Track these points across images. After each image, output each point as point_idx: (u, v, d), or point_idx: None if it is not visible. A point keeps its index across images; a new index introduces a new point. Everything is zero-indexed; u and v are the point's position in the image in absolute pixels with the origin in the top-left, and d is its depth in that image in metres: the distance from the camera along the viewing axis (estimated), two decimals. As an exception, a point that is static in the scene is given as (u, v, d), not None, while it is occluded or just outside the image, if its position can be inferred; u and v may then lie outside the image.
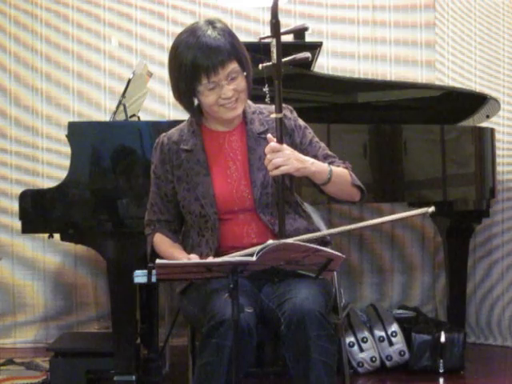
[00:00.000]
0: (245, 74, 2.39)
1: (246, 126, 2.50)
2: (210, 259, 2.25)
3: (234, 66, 2.36)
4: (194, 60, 2.33)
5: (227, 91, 2.36)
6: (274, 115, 2.36)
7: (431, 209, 2.17)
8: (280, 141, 2.34)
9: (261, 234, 2.42)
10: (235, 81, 2.37)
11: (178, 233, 2.56)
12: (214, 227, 2.43)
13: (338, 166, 2.47)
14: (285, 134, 2.40)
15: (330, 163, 2.45)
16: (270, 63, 2.34)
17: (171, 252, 2.44)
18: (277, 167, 2.31)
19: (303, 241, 2.20)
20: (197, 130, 2.50)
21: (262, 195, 2.42)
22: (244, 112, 2.49)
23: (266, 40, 2.35)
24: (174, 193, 2.50)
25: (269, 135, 2.35)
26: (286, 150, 2.33)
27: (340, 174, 2.44)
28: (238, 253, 2.26)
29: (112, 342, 3.24)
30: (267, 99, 2.49)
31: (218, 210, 2.43)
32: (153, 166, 2.54)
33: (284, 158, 2.30)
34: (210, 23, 2.39)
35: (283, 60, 2.35)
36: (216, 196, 2.43)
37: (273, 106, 2.46)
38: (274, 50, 2.32)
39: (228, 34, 2.38)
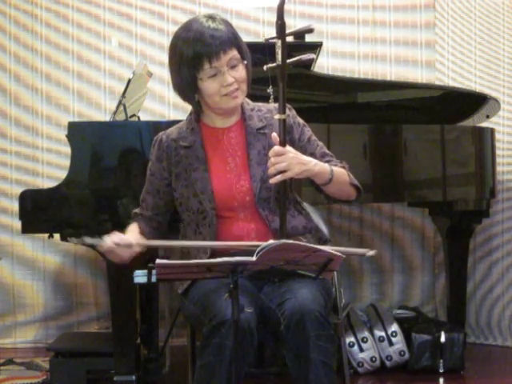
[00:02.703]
0: (245, 62, 2.41)
1: (245, 122, 2.51)
2: (206, 244, 2.23)
3: (234, 53, 2.38)
4: (195, 48, 2.35)
5: (228, 78, 2.37)
6: (277, 116, 2.36)
7: (371, 252, 2.21)
8: (283, 142, 2.34)
9: (260, 232, 2.42)
10: (236, 68, 2.39)
11: (156, 229, 2.57)
12: (212, 224, 2.44)
13: (336, 165, 2.48)
14: None
15: (327, 162, 2.46)
16: (275, 64, 2.35)
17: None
18: (279, 172, 2.31)
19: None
20: (196, 127, 2.51)
21: (261, 189, 2.43)
22: (242, 109, 2.51)
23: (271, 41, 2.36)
24: (167, 190, 2.52)
25: (274, 134, 2.36)
26: (290, 152, 2.33)
27: (340, 173, 2.45)
28: (240, 243, 2.28)
29: (112, 342, 3.24)
30: (271, 100, 2.50)
31: (216, 206, 2.44)
32: (149, 163, 2.57)
33: (287, 163, 2.31)
34: (209, 16, 2.42)
35: (288, 61, 2.36)
36: (214, 192, 2.44)
37: (271, 105, 2.48)
38: (279, 51, 2.33)
39: (228, 24, 2.42)
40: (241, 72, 2.40)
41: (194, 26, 2.39)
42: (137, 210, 2.60)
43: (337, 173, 2.43)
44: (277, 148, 2.33)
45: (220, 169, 2.47)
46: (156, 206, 2.56)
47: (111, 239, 2.32)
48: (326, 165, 2.42)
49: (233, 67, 2.38)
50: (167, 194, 2.53)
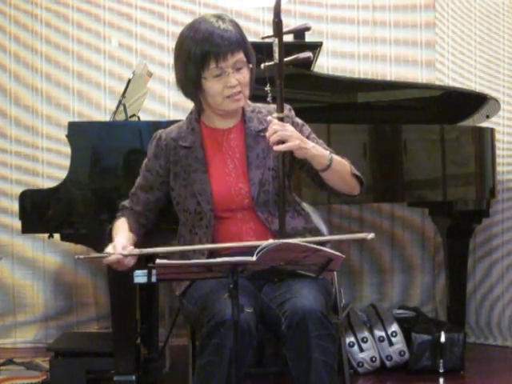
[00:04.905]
0: (250, 66, 2.41)
1: (245, 124, 2.51)
2: (204, 247, 2.25)
3: (241, 55, 2.39)
4: (204, 46, 2.36)
5: (232, 79, 2.37)
6: (275, 114, 2.37)
7: (371, 235, 2.26)
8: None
9: (259, 232, 2.42)
10: (241, 71, 2.39)
11: (144, 227, 2.55)
12: (209, 225, 2.44)
13: None
14: None
15: None
16: (273, 62, 2.35)
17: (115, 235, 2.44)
18: (281, 140, 2.31)
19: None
20: (196, 127, 2.51)
21: (259, 193, 2.43)
22: (243, 110, 2.51)
23: (268, 39, 2.36)
24: (160, 188, 2.53)
25: (269, 117, 2.37)
26: (290, 127, 2.35)
27: (340, 161, 2.44)
28: (238, 244, 2.29)
29: (112, 342, 3.24)
30: (269, 98, 2.50)
31: (214, 207, 2.44)
32: (146, 159, 2.57)
33: (289, 133, 2.32)
34: (218, 17, 2.43)
35: (285, 59, 2.36)
36: (213, 193, 2.44)
37: (271, 106, 2.47)
38: (276, 49, 2.33)
39: (237, 25, 2.43)
40: (245, 75, 2.40)
41: (202, 25, 2.39)
42: (126, 203, 2.59)
43: (336, 160, 2.42)
44: (277, 121, 2.34)
45: (219, 170, 2.47)
46: (147, 202, 2.55)
47: (117, 251, 2.30)
48: (326, 151, 2.42)
49: (238, 69, 2.39)
50: (160, 191, 2.54)
